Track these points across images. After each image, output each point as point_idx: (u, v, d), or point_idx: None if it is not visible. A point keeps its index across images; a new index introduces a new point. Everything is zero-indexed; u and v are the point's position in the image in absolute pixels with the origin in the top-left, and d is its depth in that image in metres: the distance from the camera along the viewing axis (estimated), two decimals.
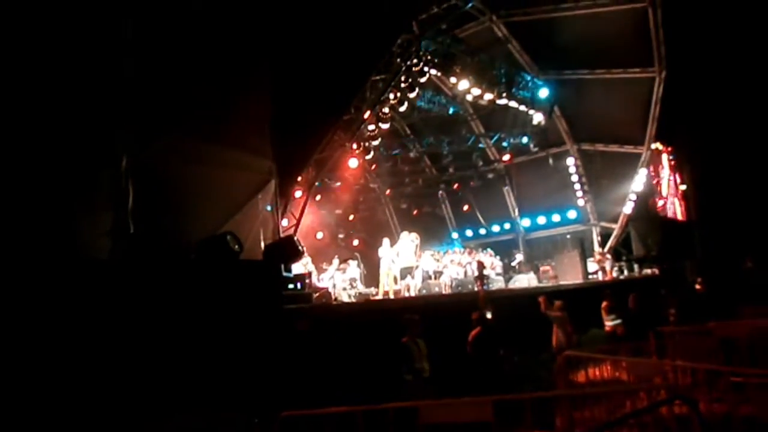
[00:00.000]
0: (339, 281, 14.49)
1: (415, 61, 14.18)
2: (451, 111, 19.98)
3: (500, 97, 17.19)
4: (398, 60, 14.14)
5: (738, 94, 20.84)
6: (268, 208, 9.34)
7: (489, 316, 9.13)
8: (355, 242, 22.29)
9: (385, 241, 14.59)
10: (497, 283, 16.76)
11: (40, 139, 5.92)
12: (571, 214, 22.84)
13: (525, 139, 20.52)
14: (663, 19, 16.56)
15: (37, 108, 5.93)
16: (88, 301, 5.49)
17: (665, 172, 23.91)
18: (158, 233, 6.76)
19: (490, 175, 22.86)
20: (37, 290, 5.27)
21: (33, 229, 5.70)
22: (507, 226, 24.45)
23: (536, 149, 20.94)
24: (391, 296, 13.56)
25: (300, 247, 8.20)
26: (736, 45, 19.58)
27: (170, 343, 5.78)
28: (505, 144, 21.43)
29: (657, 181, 23.07)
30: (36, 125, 5.91)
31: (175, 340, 5.82)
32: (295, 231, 12.90)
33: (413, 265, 14.62)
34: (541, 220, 23.61)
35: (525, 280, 17.81)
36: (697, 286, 14.58)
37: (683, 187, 25.70)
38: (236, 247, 7.17)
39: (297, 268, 10.80)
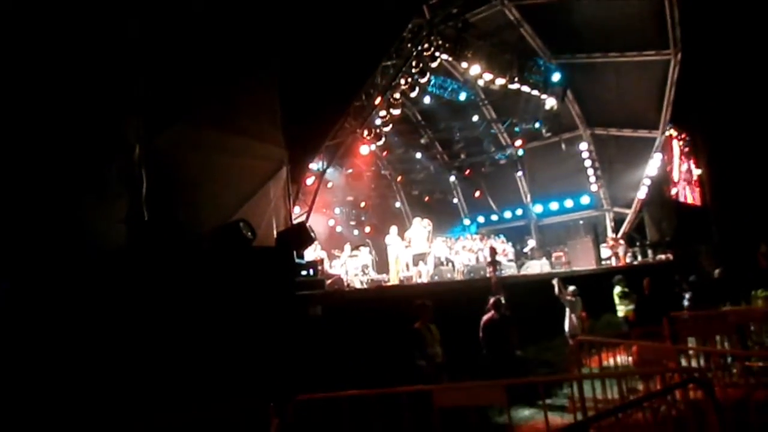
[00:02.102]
0: (351, 268, 14.53)
1: (426, 46, 14.08)
2: (462, 97, 19.82)
3: (512, 82, 17.01)
4: (409, 45, 14.06)
5: (755, 77, 20.48)
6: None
7: (503, 302, 9.14)
8: (367, 229, 22.32)
9: (393, 228, 14.63)
10: (509, 270, 16.72)
11: (54, 129, 5.96)
12: (584, 200, 22.65)
13: (537, 124, 20.33)
14: (678, 0, 16.27)
15: (51, 99, 5.97)
16: (104, 289, 5.56)
17: (677, 158, 23.67)
18: (172, 221, 6.80)
19: (502, 161, 22.72)
20: (56, 280, 5.35)
21: (48, 219, 5.76)
22: (519, 212, 24.35)
23: (549, 134, 20.75)
24: (397, 282, 13.60)
25: (312, 234, 8.22)
26: (752, 26, 19.19)
27: (185, 330, 5.84)
28: (517, 129, 21.27)
29: (670, 168, 22.84)
30: (50, 116, 5.96)
31: (190, 326, 5.89)
32: (307, 218, 12.95)
33: (426, 251, 14.62)
34: (554, 205, 23.45)
35: (537, 266, 17.77)
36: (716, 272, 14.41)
37: (698, 172, 25.41)
38: (249, 234, 7.21)
39: (309, 254, 10.85)
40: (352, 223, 22.59)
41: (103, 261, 5.79)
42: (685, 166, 24.49)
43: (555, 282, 10.46)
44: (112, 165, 6.40)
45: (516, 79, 16.99)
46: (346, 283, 12.90)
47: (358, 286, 13.60)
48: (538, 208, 23.90)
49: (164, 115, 6.87)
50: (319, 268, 10.27)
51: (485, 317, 8.47)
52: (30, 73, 5.88)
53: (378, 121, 15.55)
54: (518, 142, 21.75)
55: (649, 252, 21.24)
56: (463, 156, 22.59)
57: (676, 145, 23.60)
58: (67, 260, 5.55)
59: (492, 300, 8.66)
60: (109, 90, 6.36)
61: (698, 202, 25.17)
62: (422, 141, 21.99)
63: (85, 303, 5.40)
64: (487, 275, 12.80)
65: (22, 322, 5.07)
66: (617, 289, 11.67)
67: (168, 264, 6.20)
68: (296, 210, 12.28)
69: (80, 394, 5.07)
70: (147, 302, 5.75)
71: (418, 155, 22.64)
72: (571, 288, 10.39)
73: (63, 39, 6.08)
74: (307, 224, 9.16)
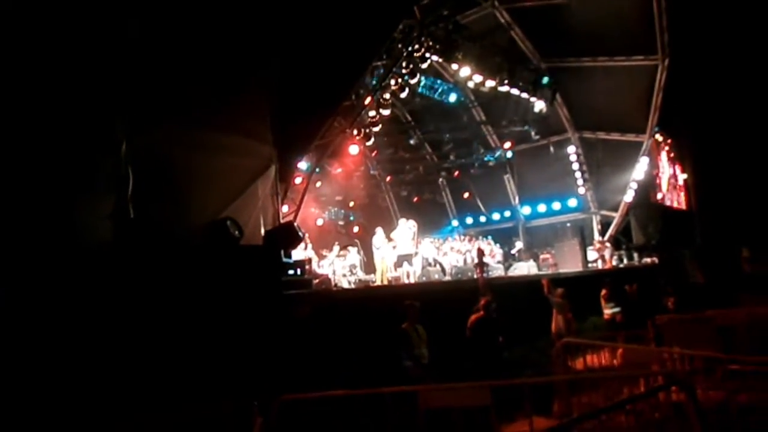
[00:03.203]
0: (339, 268, 14.51)
1: (416, 47, 14.06)
2: (452, 98, 19.84)
3: (502, 85, 17.09)
4: (400, 46, 14.03)
5: (740, 82, 20.74)
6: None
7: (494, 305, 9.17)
8: (355, 229, 22.28)
9: (379, 230, 14.64)
10: (497, 271, 16.79)
11: (41, 126, 5.90)
12: (572, 203, 22.83)
13: (526, 127, 20.44)
14: (667, 6, 16.43)
15: (39, 95, 5.90)
16: (89, 287, 5.50)
17: (663, 164, 23.90)
18: (158, 219, 6.75)
19: (491, 163, 22.80)
20: (41, 277, 5.28)
21: (34, 216, 5.69)
22: (507, 213, 24.46)
23: (537, 137, 20.87)
24: (384, 282, 13.61)
25: (300, 233, 8.20)
26: (739, 33, 19.43)
27: (171, 328, 5.80)
28: (506, 131, 21.36)
29: (656, 173, 23.06)
30: (37, 113, 5.89)
31: (175, 325, 5.84)
32: (295, 217, 12.90)
33: (411, 252, 14.64)
34: (542, 208, 23.60)
35: (525, 268, 17.86)
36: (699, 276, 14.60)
37: (684, 177, 25.68)
38: (236, 232, 7.18)
39: (297, 254, 10.82)
40: (341, 223, 22.53)
41: (88, 259, 5.73)
42: (671, 171, 24.75)
43: (544, 281, 10.54)
44: (99, 162, 6.33)
45: (506, 81, 17.07)
46: (333, 283, 12.88)
47: (345, 286, 13.58)
48: (525, 210, 24.02)
49: (152, 113, 6.81)
50: (307, 267, 10.26)
51: (473, 317, 8.48)
52: (19, 70, 5.81)
53: (367, 121, 15.52)
54: (507, 144, 21.85)
55: (635, 255, 21.42)
56: (452, 157, 22.63)
57: (662, 150, 23.84)
58: (52, 257, 5.49)
59: (483, 301, 8.68)
60: (97, 87, 6.30)
61: (684, 207, 25.45)
62: (412, 141, 21.99)
63: (70, 301, 5.34)
64: (475, 276, 12.84)
65: (8, 320, 5.01)
66: (603, 292, 11.76)
67: (154, 262, 6.15)
68: (284, 209, 12.24)
69: (64, 393, 5.01)
70: (133, 300, 5.69)
71: (407, 156, 22.64)
72: (559, 290, 10.45)
73: (54, 37, 6.01)
74: (295, 223, 9.14)
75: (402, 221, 15.20)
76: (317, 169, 15.20)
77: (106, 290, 5.58)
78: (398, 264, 14.29)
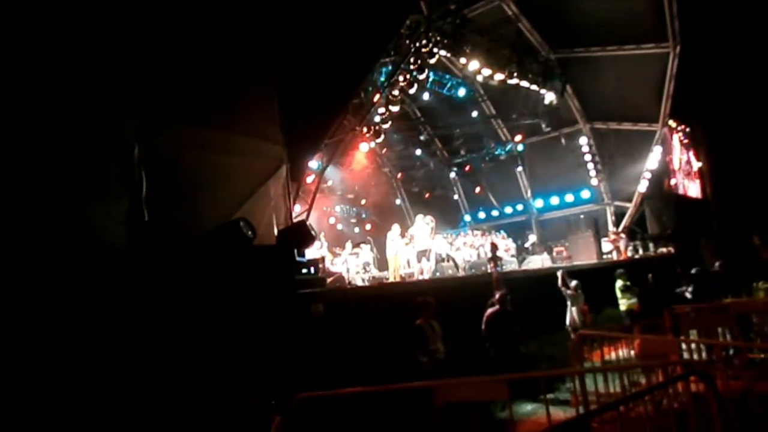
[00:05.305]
0: (352, 265, 14.52)
1: (424, 42, 14.01)
2: (462, 93, 19.77)
3: (511, 77, 16.99)
4: (407, 41, 14.00)
5: (754, 68, 20.45)
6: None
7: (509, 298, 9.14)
8: (368, 226, 22.34)
9: (395, 226, 14.66)
10: (511, 265, 16.72)
11: (54, 130, 5.96)
12: (585, 194, 22.66)
13: (537, 119, 20.32)
14: None
15: (50, 99, 5.97)
16: (105, 290, 5.57)
17: (676, 150, 23.63)
18: (172, 220, 6.81)
19: (502, 157, 22.71)
20: (57, 281, 5.35)
21: (49, 220, 5.76)
22: (520, 207, 24.36)
23: (548, 129, 20.74)
24: (397, 279, 13.61)
25: (313, 232, 8.22)
26: (751, 18, 19.14)
27: (187, 329, 5.85)
28: (516, 124, 21.25)
29: (669, 159, 22.81)
30: (49, 116, 5.96)
31: (191, 326, 5.89)
32: (308, 216, 12.94)
33: (429, 247, 14.62)
34: (554, 200, 23.46)
35: (539, 261, 17.76)
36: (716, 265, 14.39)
37: (699, 165, 25.38)
38: (249, 233, 7.21)
39: (310, 252, 10.84)
40: (353, 220, 22.61)
41: (104, 262, 5.79)
42: (684, 158, 24.47)
43: (560, 273, 10.50)
44: (112, 166, 6.40)
45: (515, 74, 16.97)
46: (347, 281, 12.90)
47: (359, 283, 13.60)
48: (538, 203, 23.90)
49: (163, 115, 6.87)
50: (321, 266, 10.28)
51: (489, 311, 8.47)
52: (29, 73, 5.88)
53: (377, 119, 15.51)
54: (518, 137, 21.74)
55: (651, 245, 21.23)
56: (462, 152, 22.58)
57: (675, 137, 23.58)
58: (68, 261, 5.55)
59: (498, 295, 8.65)
60: (108, 90, 6.36)
61: (699, 195, 25.16)
62: (422, 137, 21.97)
63: (86, 304, 5.40)
64: (489, 271, 12.81)
65: (25, 322, 5.08)
66: (619, 283, 11.67)
67: (169, 264, 6.21)
68: (297, 208, 12.28)
69: (82, 394, 5.08)
70: (148, 302, 5.75)
71: (418, 152, 22.62)
72: (574, 282, 10.39)
73: (63, 39, 6.07)
74: (308, 222, 9.16)
75: (419, 217, 15.16)
76: (328, 168, 15.22)
77: (124, 293, 5.65)
78: (418, 260, 14.30)
